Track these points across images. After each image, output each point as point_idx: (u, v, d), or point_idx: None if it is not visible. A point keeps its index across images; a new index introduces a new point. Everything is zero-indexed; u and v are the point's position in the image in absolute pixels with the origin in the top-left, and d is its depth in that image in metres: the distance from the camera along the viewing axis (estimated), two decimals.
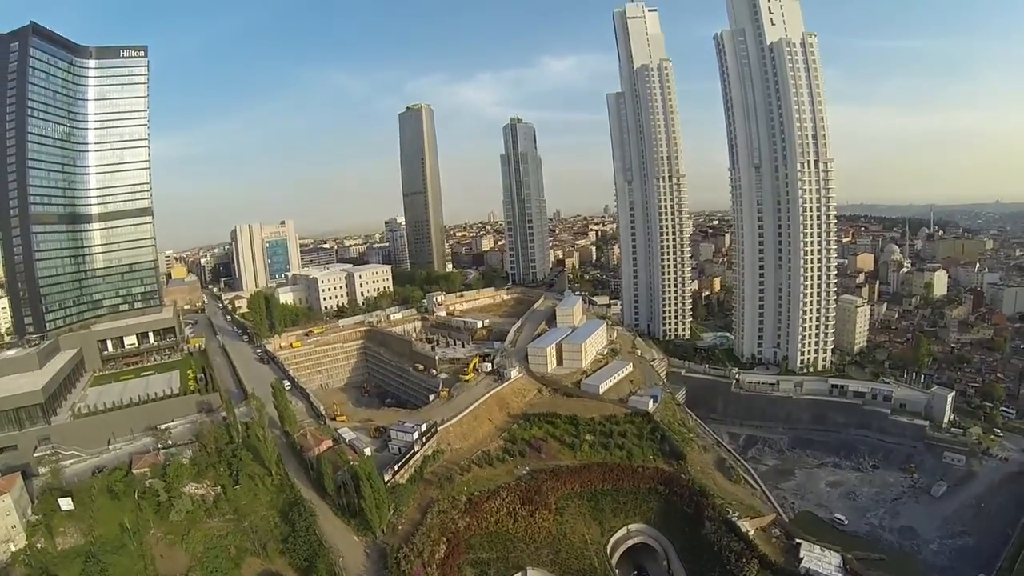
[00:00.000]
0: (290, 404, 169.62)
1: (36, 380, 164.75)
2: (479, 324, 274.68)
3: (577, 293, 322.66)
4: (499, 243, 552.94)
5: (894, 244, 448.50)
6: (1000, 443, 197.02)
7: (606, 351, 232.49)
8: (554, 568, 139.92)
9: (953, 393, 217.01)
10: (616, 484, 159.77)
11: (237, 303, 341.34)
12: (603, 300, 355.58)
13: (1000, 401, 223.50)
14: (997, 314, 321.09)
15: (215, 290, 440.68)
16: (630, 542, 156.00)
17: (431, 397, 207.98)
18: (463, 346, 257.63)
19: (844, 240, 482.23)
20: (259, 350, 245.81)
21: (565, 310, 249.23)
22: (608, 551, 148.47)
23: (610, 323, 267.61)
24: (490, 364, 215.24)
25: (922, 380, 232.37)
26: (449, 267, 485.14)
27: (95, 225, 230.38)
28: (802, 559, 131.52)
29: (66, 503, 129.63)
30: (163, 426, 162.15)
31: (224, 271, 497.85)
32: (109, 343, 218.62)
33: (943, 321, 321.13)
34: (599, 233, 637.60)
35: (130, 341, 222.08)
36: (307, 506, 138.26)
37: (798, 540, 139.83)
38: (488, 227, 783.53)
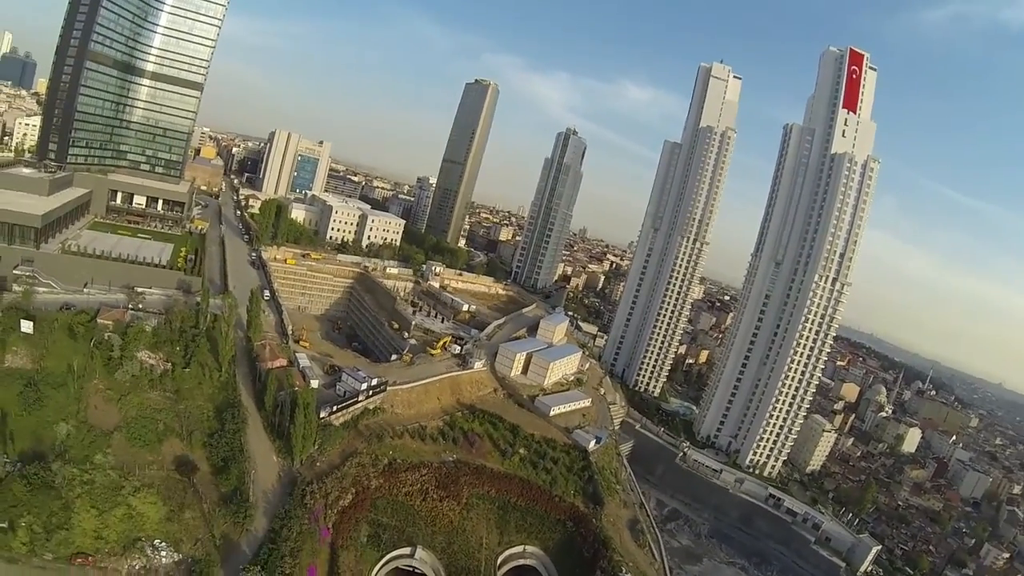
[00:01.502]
0: (262, 313, 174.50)
1: (40, 204, 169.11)
2: (465, 307, 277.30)
3: (568, 314, 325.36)
4: (516, 238, 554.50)
5: (883, 386, 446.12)
6: None
7: (572, 378, 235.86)
8: (442, 556, 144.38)
9: (880, 547, 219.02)
10: (530, 503, 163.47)
11: (251, 202, 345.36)
12: (591, 329, 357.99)
13: (922, 573, 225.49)
14: (953, 491, 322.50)
15: (236, 182, 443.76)
16: (521, 561, 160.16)
17: (394, 357, 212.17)
18: (443, 321, 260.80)
19: (838, 363, 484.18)
20: (254, 254, 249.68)
21: (548, 324, 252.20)
22: (498, 562, 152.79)
23: (587, 353, 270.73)
24: (460, 348, 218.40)
25: (856, 523, 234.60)
26: (462, 243, 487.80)
27: (145, 81, 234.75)
28: None
29: (27, 326, 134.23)
30: (140, 289, 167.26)
31: (251, 167, 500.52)
32: (119, 195, 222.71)
33: (900, 477, 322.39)
34: (614, 265, 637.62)
35: (139, 200, 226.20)
36: (242, 412, 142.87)
37: None
38: (513, 219, 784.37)
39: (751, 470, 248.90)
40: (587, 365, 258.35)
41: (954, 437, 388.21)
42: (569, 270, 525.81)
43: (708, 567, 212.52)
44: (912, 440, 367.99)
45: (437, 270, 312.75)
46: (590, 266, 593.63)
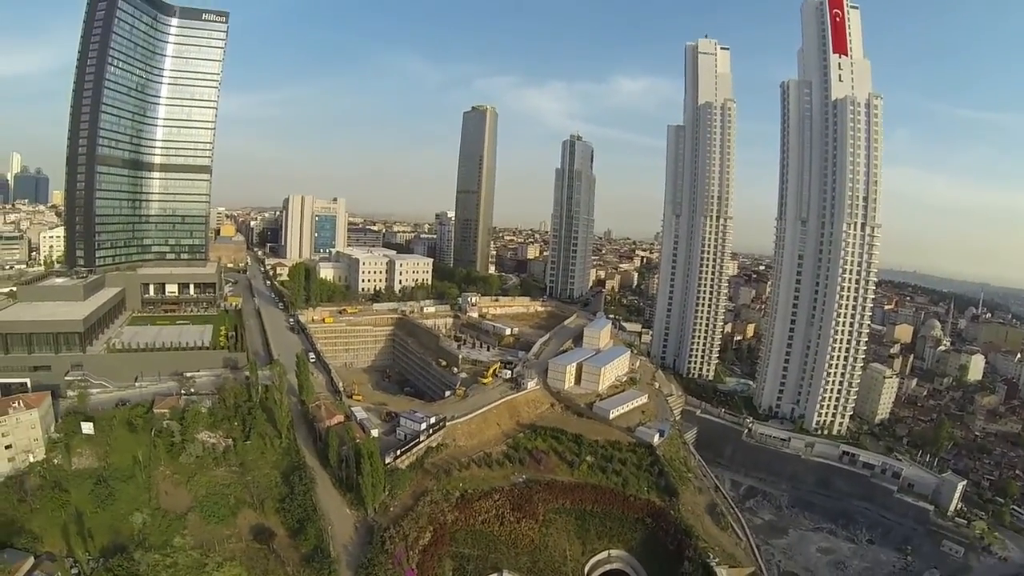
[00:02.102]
0: (311, 376, 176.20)
1: (78, 310, 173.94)
2: (507, 331, 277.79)
3: (609, 317, 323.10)
4: (544, 253, 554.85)
5: (936, 320, 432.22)
6: (1003, 542, 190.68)
7: (625, 378, 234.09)
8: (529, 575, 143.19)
9: (965, 482, 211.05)
10: (606, 508, 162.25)
11: (279, 270, 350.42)
12: (634, 327, 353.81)
13: (1012, 499, 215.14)
14: None
15: (259, 253, 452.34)
16: (608, 567, 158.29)
17: (447, 393, 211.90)
18: (488, 349, 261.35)
19: (886, 307, 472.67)
20: (292, 319, 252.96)
21: (592, 331, 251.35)
22: (585, 571, 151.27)
23: (635, 352, 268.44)
24: (510, 371, 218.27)
25: (936, 463, 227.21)
26: (491, 269, 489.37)
27: (156, 174, 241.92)
28: None
29: (88, 427, 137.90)
30: (188, 374, 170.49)
31: (271, 236, 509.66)
32: (151, 288, 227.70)
33: (972, 407, 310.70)
34: (644, 260, 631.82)
35: (171, 289, 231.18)
36: (308, 472, 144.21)
37: None
38: (537, 235, 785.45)
39: (819, 432, 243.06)
40: (637, 363, 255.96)
41: (1019, 355, 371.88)
42: (602, 274, 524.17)
43: (795, 537, 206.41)
44: (977, 367, 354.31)
45: (473, 300, 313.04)
46: (621, 266, 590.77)
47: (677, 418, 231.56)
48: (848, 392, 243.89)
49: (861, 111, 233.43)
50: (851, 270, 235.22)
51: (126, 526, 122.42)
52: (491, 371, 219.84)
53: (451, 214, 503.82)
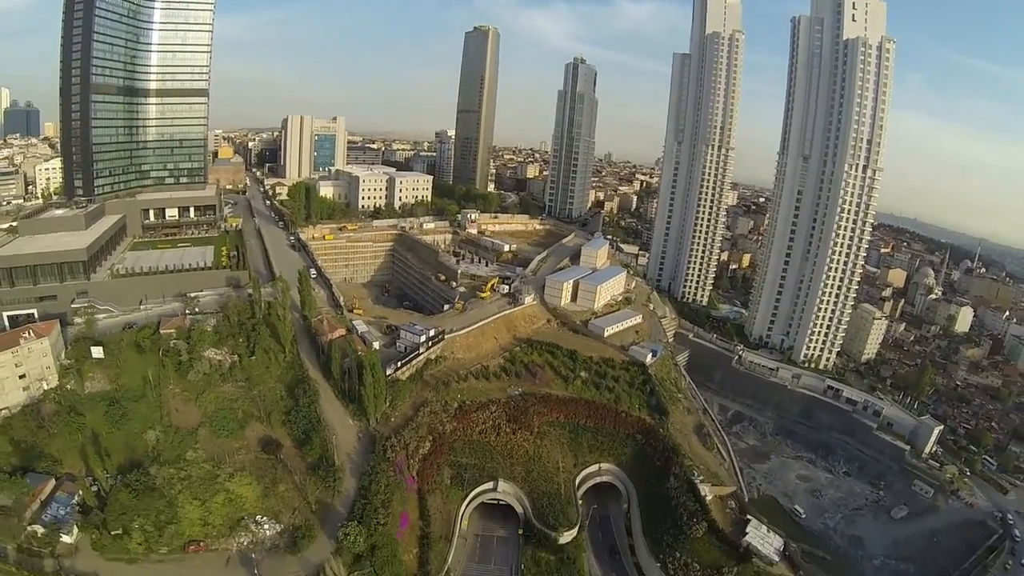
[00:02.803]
0: (313, 291, 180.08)
1: (81, 239, 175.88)
2: (506, 247, 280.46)
3: (607, 238, 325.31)
4: (543, 173, 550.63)
5: (930, 268, 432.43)
6: (972, 489, 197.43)
7: (620, 298, 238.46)
8: (523, 485, 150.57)
9: (942, 427, 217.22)
10: (598, 423, 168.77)
11: (278, 190, 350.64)
12: (632, 249, 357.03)
13: (986, 450, 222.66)
14: (1011, 367, 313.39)
15: (258, 174, 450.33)
16: (598, 479, 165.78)
17: (446, 307, 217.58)
18: (486, 265, 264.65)
19: (882, 250, 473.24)
20: (292, 237, 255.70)
21: (590, 251, 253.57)
22: (576, 483, 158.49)
23: (631, 272, 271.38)
24: (508, 287, 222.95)
25: (916, 406, 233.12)
26: (490, 187, 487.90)
27: (151, 100, 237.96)
28: (747, 534, 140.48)
29: (97, 351, 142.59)
30: (192, 294, 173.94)
31: (270, 156, 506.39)
32: (151, 213, 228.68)
33: (956, 357, 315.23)
34: (644, 184, 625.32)
35: (171, 213, 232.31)
36: (312, 385, 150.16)
37: (748, 516, 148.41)
38: (536, 155, 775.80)
39: (807, 365, 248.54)
40: (633, 284, 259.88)
41: (1007, 312, 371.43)
42: (601, 195, 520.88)
43: (776, 463, 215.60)
44: (965, 319, 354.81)
45: (473, 217, 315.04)
46: (621, 188, 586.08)
47: (670, 340, 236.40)
48: (837, 329, 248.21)
49: (872, 53, 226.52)
50: (849, 210, 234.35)
51: (140, 443, 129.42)
52: (489, 286, 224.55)
53: (451, 133, 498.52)
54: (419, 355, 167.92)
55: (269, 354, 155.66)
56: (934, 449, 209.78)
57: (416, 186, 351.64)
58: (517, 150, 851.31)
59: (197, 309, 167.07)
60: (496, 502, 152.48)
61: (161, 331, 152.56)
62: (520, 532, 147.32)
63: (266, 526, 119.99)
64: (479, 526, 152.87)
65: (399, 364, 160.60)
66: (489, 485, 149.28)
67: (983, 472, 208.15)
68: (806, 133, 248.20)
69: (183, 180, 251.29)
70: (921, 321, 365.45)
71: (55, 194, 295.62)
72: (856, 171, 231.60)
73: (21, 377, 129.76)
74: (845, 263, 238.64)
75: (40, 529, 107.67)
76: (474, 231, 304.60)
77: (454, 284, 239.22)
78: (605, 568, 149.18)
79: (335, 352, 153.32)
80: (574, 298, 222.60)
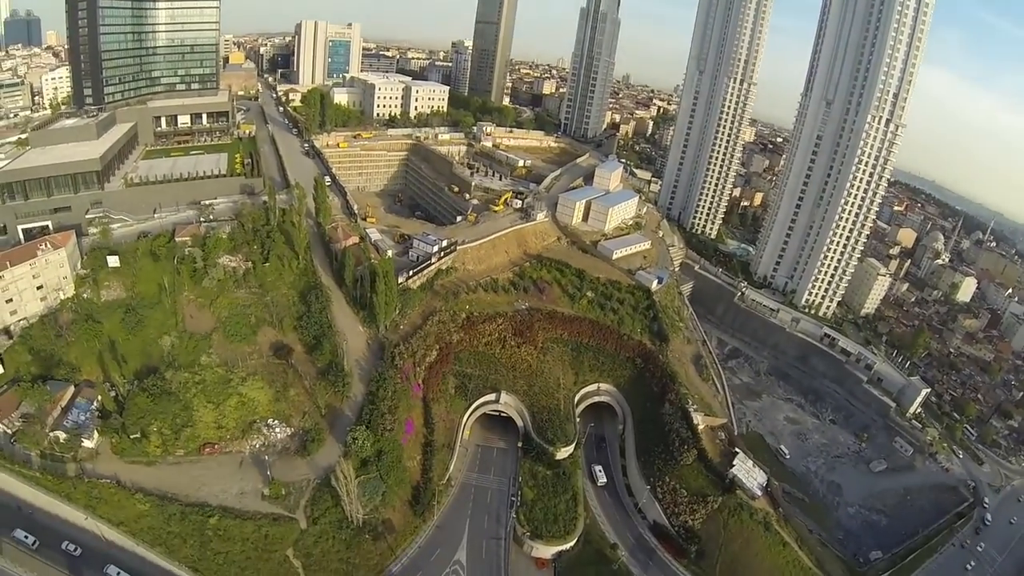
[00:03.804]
0: (328, 198, 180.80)
1: (94, 149, 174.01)
2: (520, 162, 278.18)
3: (622, 161, 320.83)
4: (560, 90, 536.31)
5: (941, 233, 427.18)
6: (949, 454, 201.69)
7: (631, 222, 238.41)
8: (525, 399, 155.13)
9: (929, 390, 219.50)
10: (600, 343, 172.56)
11: (291, 96, 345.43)
12: (644, 175, 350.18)
13: (968, 419, 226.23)
14: (1005, 343, 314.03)
15: (270, 80, 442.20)
16: (596, 398, 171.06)
17: (458, 218, 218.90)
18: (500, 179, 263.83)
19: (894, 208, 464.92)
20: (306, 144, 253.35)
21: (604, 172, 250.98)
22: (575, 400, 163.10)
23: (643, 198, 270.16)
24: (520, 202, 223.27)
25: (907, 366, 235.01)
26: (506, 101, 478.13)
27: (161, 4, 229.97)
28: (733, 466, 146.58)
29: (113, 261, 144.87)
30: (207, 202, 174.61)
31: (282, 62, 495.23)
32: (163, 120, 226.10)
33: (952, 325, 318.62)
34: (661, 110, 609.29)
35: (183, 120, 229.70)
36: (324, 292, 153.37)
37: (737, 450, 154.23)
38: (554, 71, 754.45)
39: (807, 310, 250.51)
40: (644, 209, 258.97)
41: (1010, 290, 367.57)
42: (617, 118, 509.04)
43: (767, 403, 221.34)
44: (967, 289, 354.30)
45: (488, 130, 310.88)
46: (637, 112, 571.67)
47: (676, 269, 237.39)
48: (841, 279, 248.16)
49: (910, 4, 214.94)
50: (867, 163, 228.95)
51: (156, 349, 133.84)
52: (503, 200, 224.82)
53: (468, 43, 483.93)
54: (431, 265, 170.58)
55: (283, 261, 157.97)
56: (919, 410, 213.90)
57: (432, 96, 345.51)
58: (534, 65, 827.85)
59: (212, 216, 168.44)
60: (497, 414, 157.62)
61: (176, 239, 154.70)
62: (520, 445, 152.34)
63: (277, 429, 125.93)
64: (480, 437, 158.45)
65: (411, 273, 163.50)
66: (492, 396, 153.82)
67: (962, 440, 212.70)
68: (832, 78, 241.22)
69: (194, 86, 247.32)
70: (924, 284, 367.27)
71: (63, 104, 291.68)
72: (879, 124, 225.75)
73: (39, 288, 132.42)
74: (857, 215, 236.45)
75: (62, 435, 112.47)
76: (489, 144, 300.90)
77: (467, 196, 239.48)
78: (597, 487, 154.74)
79: (349, 259, 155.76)
80: (585, 218, 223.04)
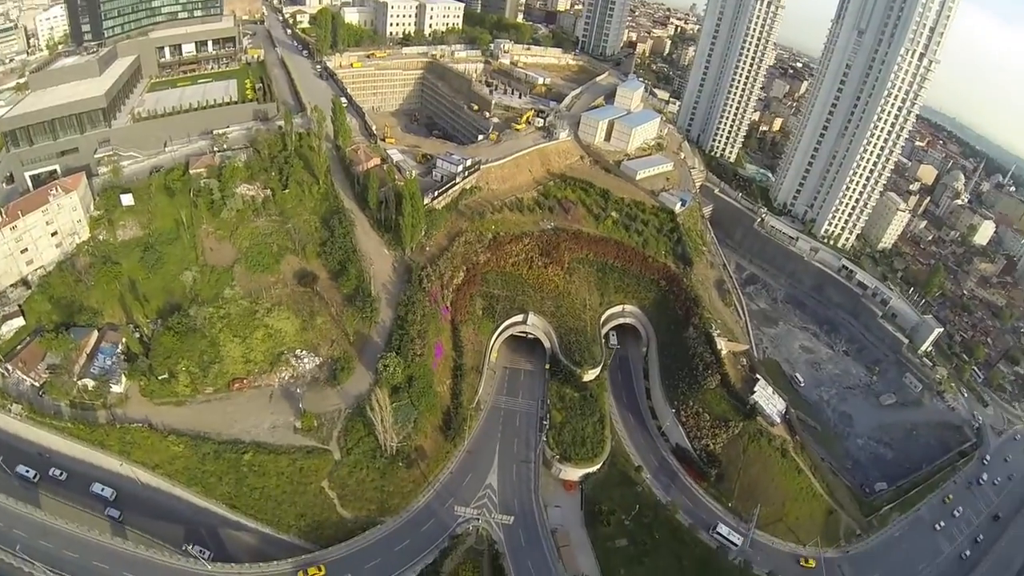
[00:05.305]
0: (347, 120, 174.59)
1: (98, 86, 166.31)
2: (540, 80, 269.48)
3: (641, 79, 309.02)
4: (575, 6, 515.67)
5: (962, 173, 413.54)
6: (956, 394, 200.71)
7: (653, 143, 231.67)
8: (552, 319, 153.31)
9: (942, 330, 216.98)
10: (625, 264, 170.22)
11: (298, 18, 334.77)
12: (663, 95, 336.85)
13: (976, 362, 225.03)
14: (1018, 290, 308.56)
15: (275, 2, 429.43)
16: (621, 320, 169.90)
17: (480, 137, 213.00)
18: (520, 97, 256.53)
19: (918, 143, 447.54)
20: (319, 66, 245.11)
21: (625, 91, 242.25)
22: (601, 320, 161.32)
23: (664, 119, 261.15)
24: (542, 120, 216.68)
25: (922, 304, 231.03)
26: (519, 18, 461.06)
27: None
28: (755, 392, 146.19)
29: (127, 199, 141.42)
30: (219, 131, 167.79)
31: None
32: (167, 50, 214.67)
33: (968, 267, 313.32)
34: (679, 28, 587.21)
35: (188, 49, 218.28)
36: (347, 216, 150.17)
37: (758, 376, 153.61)
38: None
39: (826, 240, 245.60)
40: (666, 130, 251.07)
41: None
42: (634, 36, 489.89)
43: (783, 330, 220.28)
44: (985, 233, 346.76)
45: (506, 47, 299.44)
46: (655, 31, 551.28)
47: (697, 191, 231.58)
48: (862, 212, 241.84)
49: None
50: (897, 96, 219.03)
51: (178, 286, 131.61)
52: (524, 118, 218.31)
53: None
54: (455, 185, 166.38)
55: (303, 187, 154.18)
56: (930, 349, 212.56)
57: (447, 13, 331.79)
58: None
59: (226, 146, 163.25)
60: (524, 335, 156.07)
61: (191, 171, 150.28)
62: (547, 367, 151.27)
63: (306, 360, 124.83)
64: (507, 359, 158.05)
65: (435, 193, 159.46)
66: (519, 317, 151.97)
67: (970, 382, 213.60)
68: (867, 6, 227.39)
69: (197, 13, 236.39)
70: (941, 223, 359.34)
71: (61, 44, 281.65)
72: (912, 57, 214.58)
73: (53, 235, 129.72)
74: (882, 149, 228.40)
75: (90, 383, 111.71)
76: (507, 62, 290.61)
77: (487, 114, 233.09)
78: (623, 408, 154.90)
79: (372, 182, 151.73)
80: (608, 137, 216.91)
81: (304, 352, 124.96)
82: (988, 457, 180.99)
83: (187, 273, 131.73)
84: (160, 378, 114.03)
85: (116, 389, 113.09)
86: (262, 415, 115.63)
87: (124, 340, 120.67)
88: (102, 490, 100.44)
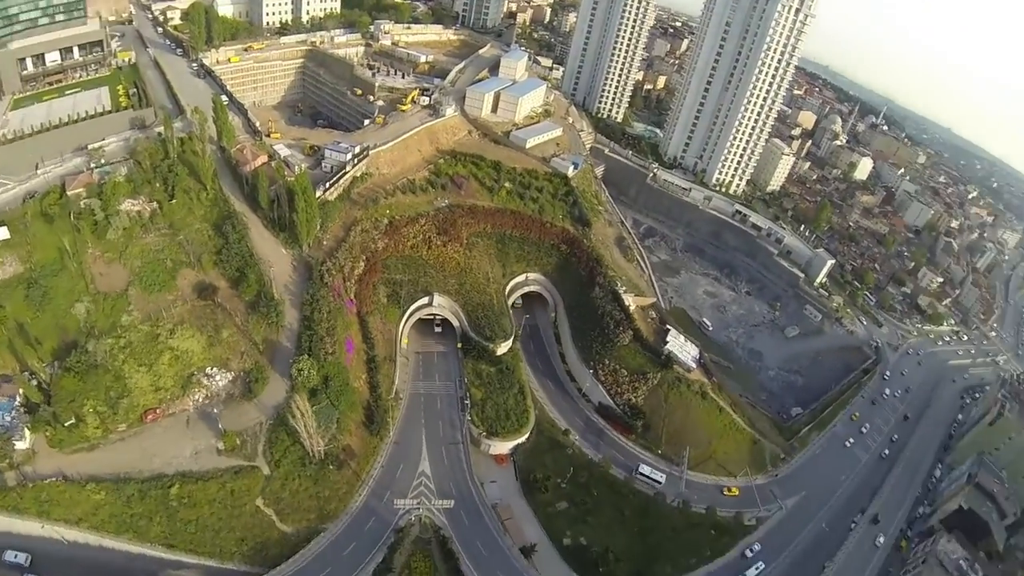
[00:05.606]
0: (229, 119, 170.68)
1: None
2: (423, 58, 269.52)
3: (524, 49, 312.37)
4: None
5: (839, 116, 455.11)
6: (853, 319, 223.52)
7: (540, 110, 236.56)
8: (458, 298, 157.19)
9: (833, 261, 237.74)
10: (524, 233, 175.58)
11: (169, 14, 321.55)
12: (546, 62, 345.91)
13: (867, 287, 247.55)
14: (898, 218, 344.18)
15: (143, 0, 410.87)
16: (526, 289, 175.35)
17: (366, 122, 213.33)
18: (403, 77, 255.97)
19: (796, 92, 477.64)
20: (195, 64, 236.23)
21: (509, 62, 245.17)
22: (506, 292, 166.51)
23: (550, 85, 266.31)
24: (428, 99, 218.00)
25: (813, 239, 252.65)
26: None
27: None
28: (667, 342, 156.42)
29: (1, 233, 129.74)
30: (95, 145, 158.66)
31: None
32: (28, 61, 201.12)
33: (851, 201, 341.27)
34: None
35: (52, 57, 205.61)
36: (240, 219, 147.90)
37: (668, 326, 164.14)
38: None
39: (718, 188, 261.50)
40: (552, 97, 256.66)
41: (902, 170, 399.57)
42: (514, 6, 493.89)
43: (685, 279, 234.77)
44: (864, 169, 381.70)
45: (386, 28, 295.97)
46: (535, 0, 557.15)
47: (588, 153, 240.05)
48: (749, 159, 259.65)
49: None
50: (775, 50, 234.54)
51: (71, 321, 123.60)
52: (410, 98, 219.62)
53: None
54: (346, 173, 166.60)
55: (190, 195, 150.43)
56: (824, 280, 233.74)
57: None
58: None
59: (104, 160, 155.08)
60: (432, 318, 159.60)
61: (68, 193, 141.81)
62: (459, 346, 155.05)
63: (217, 377, 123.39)
64: (418, 344, 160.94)
65: (327, 185, 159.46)
66: (425, 300, 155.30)
67: (863, 306, 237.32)
68: None
69: (59, 18, 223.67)
70: (824, 163, 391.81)
71: None
72: (789, 12, 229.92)
73: None
74: (764, 99, 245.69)
75: None
76: (388, 43, 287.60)
77: (371, 98, 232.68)
78: (540, 376, 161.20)
79: (261, 181, 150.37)
80: (495, 109, 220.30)
81: (215, 369, 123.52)
82: (888, 373, 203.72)
83: (79, 305, 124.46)
84: (67, 424, 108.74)
85: (21, 446, 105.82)
86: (182, 443, 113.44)
87: (21, 391, 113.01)
88: (15, 557, 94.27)
